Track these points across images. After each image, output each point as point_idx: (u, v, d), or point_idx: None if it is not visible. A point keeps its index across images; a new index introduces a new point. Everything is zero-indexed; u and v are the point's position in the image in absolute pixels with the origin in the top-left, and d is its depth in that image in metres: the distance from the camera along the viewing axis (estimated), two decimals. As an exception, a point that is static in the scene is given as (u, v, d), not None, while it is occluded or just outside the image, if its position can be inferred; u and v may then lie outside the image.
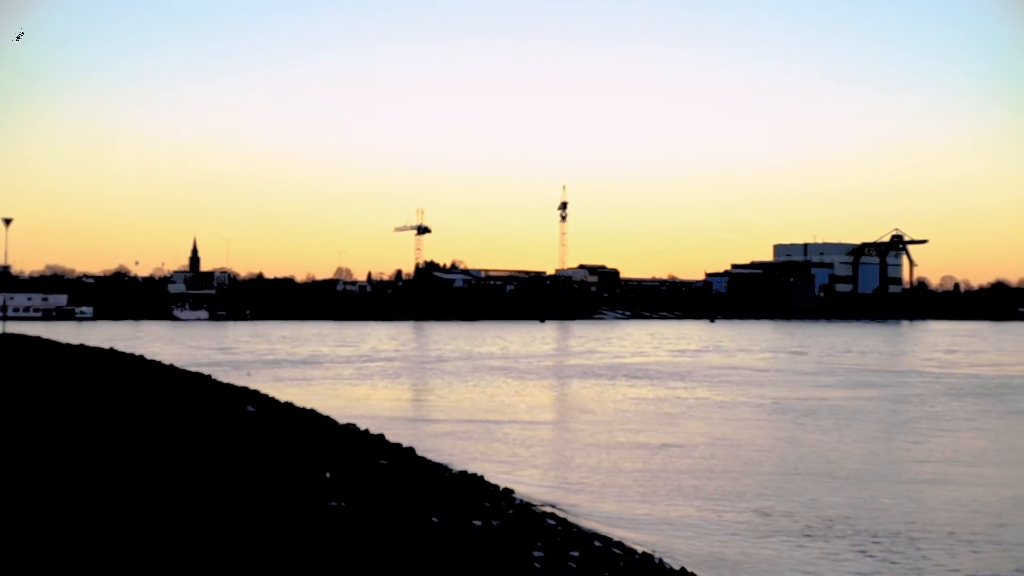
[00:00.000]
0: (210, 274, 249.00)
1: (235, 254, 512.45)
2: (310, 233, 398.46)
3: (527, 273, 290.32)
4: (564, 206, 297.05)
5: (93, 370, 32.91)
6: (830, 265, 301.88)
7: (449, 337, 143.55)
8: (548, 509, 21.39)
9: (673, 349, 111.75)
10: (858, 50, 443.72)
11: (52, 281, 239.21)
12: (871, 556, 19.14)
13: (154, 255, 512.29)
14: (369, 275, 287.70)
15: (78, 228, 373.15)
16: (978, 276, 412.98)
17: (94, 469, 13.34)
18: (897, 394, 55.62)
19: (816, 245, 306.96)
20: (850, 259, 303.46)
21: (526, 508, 19.54)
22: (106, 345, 60.62)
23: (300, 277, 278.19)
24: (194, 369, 46.23)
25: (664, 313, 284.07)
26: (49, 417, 18.24)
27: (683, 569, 16.70)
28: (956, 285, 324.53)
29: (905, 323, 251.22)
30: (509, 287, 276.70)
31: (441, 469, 22.33)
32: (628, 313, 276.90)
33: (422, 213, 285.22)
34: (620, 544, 17.83)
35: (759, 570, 18.23)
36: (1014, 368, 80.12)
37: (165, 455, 15.22)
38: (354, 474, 17.10)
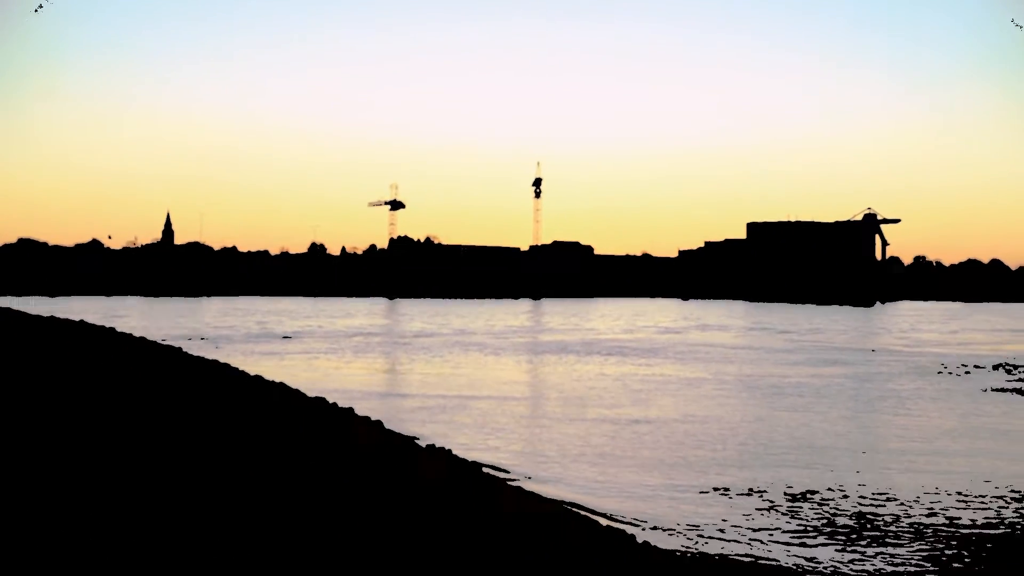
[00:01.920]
0: None
1: (209, 227, 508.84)
2: (284, 207, 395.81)
3: (501, 249, 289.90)
4: (538, 182, 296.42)
5: (63, 342, 32.75)
6: (803, 243, 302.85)
7: (422, 313, 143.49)
8: (516, 483, 21.51)
9: (646, 326, 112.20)
10: (831, 29, 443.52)
11: (24, 250, 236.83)
12: (834, 534, 19.37)
13: (127, 228, 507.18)
14: (343, 250, 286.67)
15: (50, 200, 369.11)
16: (950, 255, 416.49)
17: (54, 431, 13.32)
18: (865, 372, 56.15)
19: (789, 223, 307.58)
20: (823, 238, 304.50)
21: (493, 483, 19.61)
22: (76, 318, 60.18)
23: (274, 251, 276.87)
24: (165, 343, 45.99)
25: (637, 290, 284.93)
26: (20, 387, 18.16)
27: (646, 543, 16.85)
28: (928, 264, 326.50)
29: (877, 302, 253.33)
30: (482, 263, 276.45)
31: (409, 443, 22.39)
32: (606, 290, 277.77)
33: (396, 188, 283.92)
34: (585, 518, 17.97)
35: (721, 545, 18.42)
36: (983, 348, 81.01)
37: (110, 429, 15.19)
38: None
